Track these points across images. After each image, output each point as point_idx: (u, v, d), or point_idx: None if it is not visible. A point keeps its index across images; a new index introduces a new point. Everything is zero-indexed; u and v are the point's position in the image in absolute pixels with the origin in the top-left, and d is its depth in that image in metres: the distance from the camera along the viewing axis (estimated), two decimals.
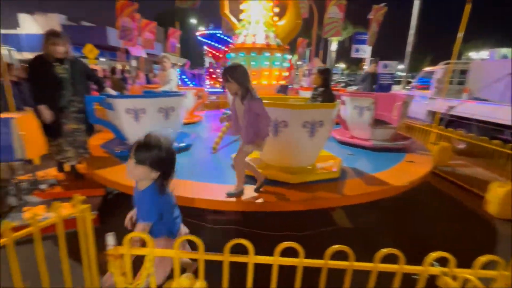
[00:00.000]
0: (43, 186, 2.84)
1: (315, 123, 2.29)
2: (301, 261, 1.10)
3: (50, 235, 1.60)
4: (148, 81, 11.64)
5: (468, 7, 3.97)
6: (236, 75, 1.90)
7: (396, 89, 12.34)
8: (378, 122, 3.68)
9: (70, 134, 2.84)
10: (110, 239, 1.06)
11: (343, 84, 19.67)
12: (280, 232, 2.42)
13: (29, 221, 1.30)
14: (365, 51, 13.26)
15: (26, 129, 2.60)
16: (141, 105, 2.95)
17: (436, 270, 1.07)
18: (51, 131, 2.76)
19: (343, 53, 25.57)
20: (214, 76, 8.72)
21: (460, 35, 4.09)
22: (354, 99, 3.65)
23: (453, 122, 5.85)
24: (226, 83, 1.95)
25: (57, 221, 1.40)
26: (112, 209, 2.90)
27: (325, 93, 2.63)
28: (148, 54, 12.06)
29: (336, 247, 1.08)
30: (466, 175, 3.99)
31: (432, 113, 6.26)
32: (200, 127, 4.90)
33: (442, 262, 1.09)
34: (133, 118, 2.97)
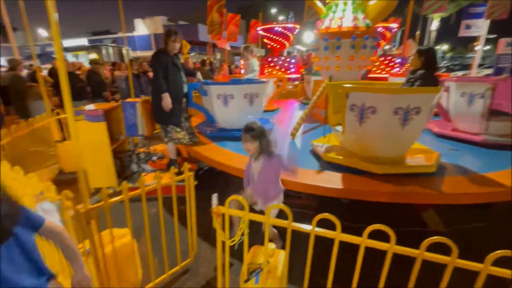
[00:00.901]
0: (154, 158, 3.52)
1: (409, 110, 2.05)
2: (391, 247, 1.06)
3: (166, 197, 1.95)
4: (230, 72, 12.56)
5: None
6: (261, 134, 1.68)
7: None
8: (494, 113, 3.00)
9: (186, 120, 3.17)
10: (215, 199, 1.26)
11: (444, 69, 16.57)
12: (359, 224, 2.34)
13: (138, 184, 1.62)
14: (479, 28, 10.69)
15: (143, 111, 3.25)
16: (230, 91, 3.25)
17: None
18: (171, 117, 3.00)
19: (447, 32, 21.30)
20: (272, 64, 9.15)
21: None
22: (463, 85, 3.07)
23: None
24: (246, 143, 1.69)
25: (158, 186, 1.71)
26: (201, 182, 3.36)
27: (426, 76, 2.29)
28: (231, 46, 12.94)
29: (435, 238, 1.00)
30: None
31: None
32: (278, 115, 5.04)
33: None
34: (222, 103, 3.31)
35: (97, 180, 3.19)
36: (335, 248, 1.17)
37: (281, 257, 1.55)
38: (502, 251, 0.91)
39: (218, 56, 19.37)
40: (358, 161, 2.31)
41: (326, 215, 1.10)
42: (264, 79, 3.85)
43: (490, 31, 10.77)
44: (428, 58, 2.33)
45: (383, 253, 1.09)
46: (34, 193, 1.62)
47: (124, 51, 16.55)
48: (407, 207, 2.69)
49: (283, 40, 9.57)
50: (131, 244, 1.75)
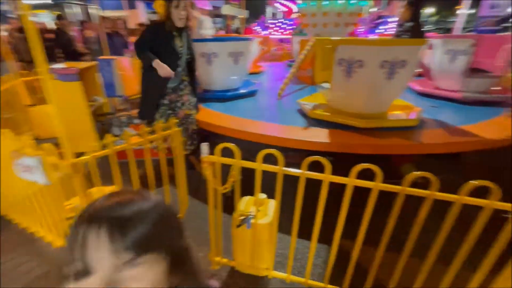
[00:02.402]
0: (136, 121, 3.40)
1: (396, 63, 2.06)
2: (376, 185, 1.12)
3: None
4: None
5: None
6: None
7: None
8: (473, 71, 3.09)
9: (183, 121, 2.38)
10: (205, 148, 1.25)
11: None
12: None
13: (124, 138, 1.56)
14: None
15: (122, 70, 3.04)
16: (213, 49, 3.08)
17: None
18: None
19: None
20: (271, 26, 8.92)
21: None
22: (448, 41, 3.07)
23: None
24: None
25: (144, 140, 1.67)
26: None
27: (415, 29, 2.27)
28: (213, 7, 12.04)
29: (418, 173, 1.06)
30: None
31: None
32: (264, 77, 4.93)
33: None
34: (206, 62, 3.15)
35: (77, 145, 3.06)
36: (323, 190, 1.22)
37: (271, 206, 1.61)
38: (478, 181, 0.99)
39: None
40: (343, 116, 2.35)
41: (316, 157, 1.13)
42: (249, 37, 3.66)
43: None
44: (414, 10, 2.29)
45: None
46: (10, 150, 1.54)
47: (93, 10, 14.96)
48: (388, 162, 2.85)
49: (290, 4, 9.20)
50: None
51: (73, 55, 5.30)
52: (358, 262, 1.34)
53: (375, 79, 2.11)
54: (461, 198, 1.03)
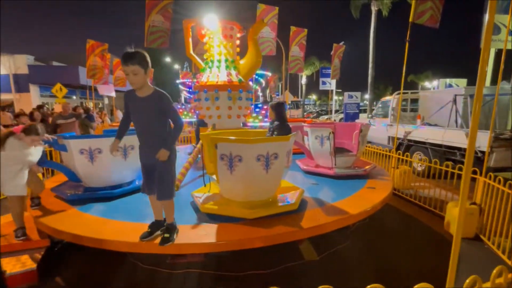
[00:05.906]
0: None
1: (269, 156, 2.32)
2: None
3: None
4: None
5: (406, 45, 4.56)
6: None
7: (363, 117, 13.10)
8: (339, 150, 3.82)
9: None
10: None
11: (315, 114, 20.63)
12: (245, 272, 2.31)
13: None
14: (331, 84, 14.24)
15: None
16: (96, 145, 2.85)
17: None
18: None
19: (312, 86, 27.48)
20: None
21: (403, 68, 4.62)
22: (315, 129, 3.81)
23: (411, 146, 6.24)
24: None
25: None
26: (58, 262, 2.64)
27: (281, 126, 2.72)
28: (122, 92, 12.10)
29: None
30: (427, 196, 4.15)
31: (392, 139, 6.67)
32: None
33: None
34: (88, 159, 2.85)
35: None
36: None
37: None
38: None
39: (106, 101, 17.60)
40: (232, 209, 2.36)
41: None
42: None
43: (338, 87, 14.46)
44: (278, 112, 2.80)
45: None
46: None
47: None
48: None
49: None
50: None
51: None
52: None
53: (254, 171, 2.28)
54: None
